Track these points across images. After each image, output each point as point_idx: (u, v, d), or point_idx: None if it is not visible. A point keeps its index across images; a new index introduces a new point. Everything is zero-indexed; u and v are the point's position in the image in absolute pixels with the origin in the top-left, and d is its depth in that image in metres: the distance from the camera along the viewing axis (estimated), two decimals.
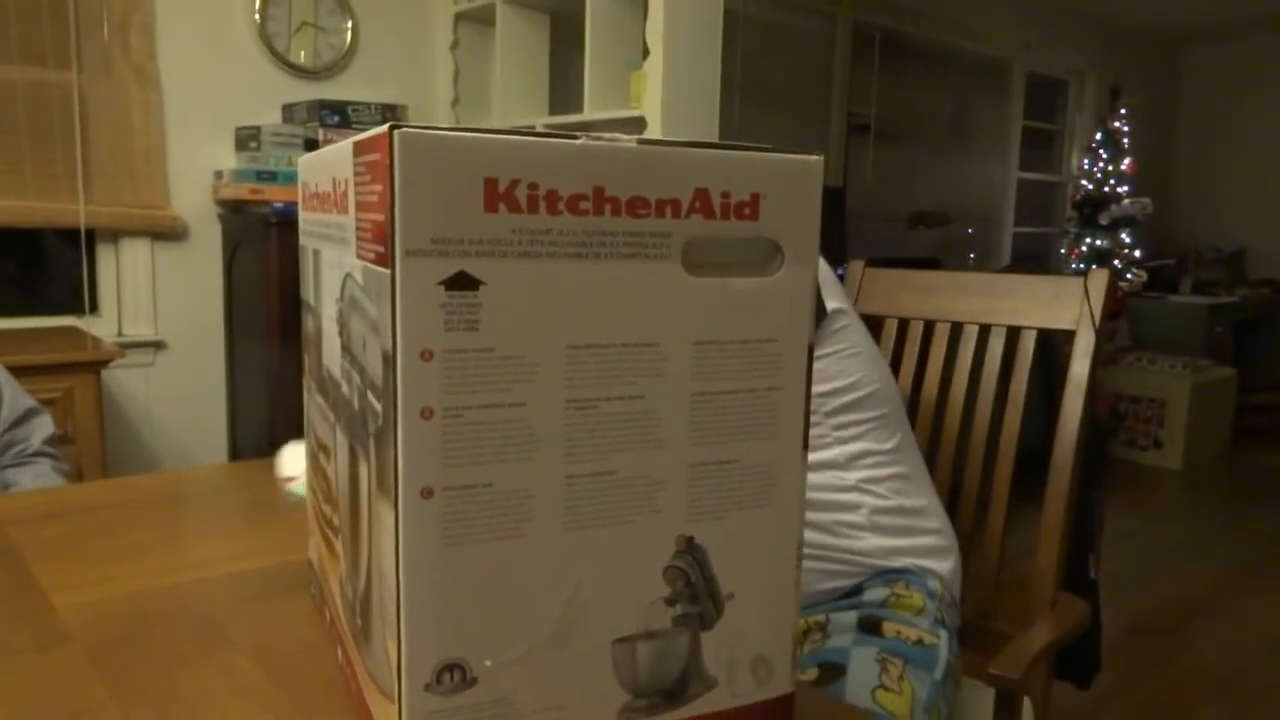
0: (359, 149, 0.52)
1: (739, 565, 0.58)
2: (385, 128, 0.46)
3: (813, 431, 1.05)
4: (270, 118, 2.88)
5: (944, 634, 1.01)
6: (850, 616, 0.99)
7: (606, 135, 0.51)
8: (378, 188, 0.48)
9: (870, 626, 0.98)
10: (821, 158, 0.57)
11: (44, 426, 1.62)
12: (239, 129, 2.78)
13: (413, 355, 0.47)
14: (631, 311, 0.53)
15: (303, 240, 0.75)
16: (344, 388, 0.61)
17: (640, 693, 0.57)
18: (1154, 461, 4.59)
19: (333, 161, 0.60)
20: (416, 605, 0.50)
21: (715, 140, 2.68)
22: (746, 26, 3.93)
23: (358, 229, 0.53)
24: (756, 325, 0.56)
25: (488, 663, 0.52)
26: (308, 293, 0.74)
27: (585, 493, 0.53)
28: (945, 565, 1.11)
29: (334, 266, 0.62)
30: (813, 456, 1.03)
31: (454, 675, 0.52)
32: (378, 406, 0.50)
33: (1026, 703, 1.06)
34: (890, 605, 1.01)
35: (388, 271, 0.47)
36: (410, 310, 0.47)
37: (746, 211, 0.55)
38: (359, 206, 0.53)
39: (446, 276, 0.48)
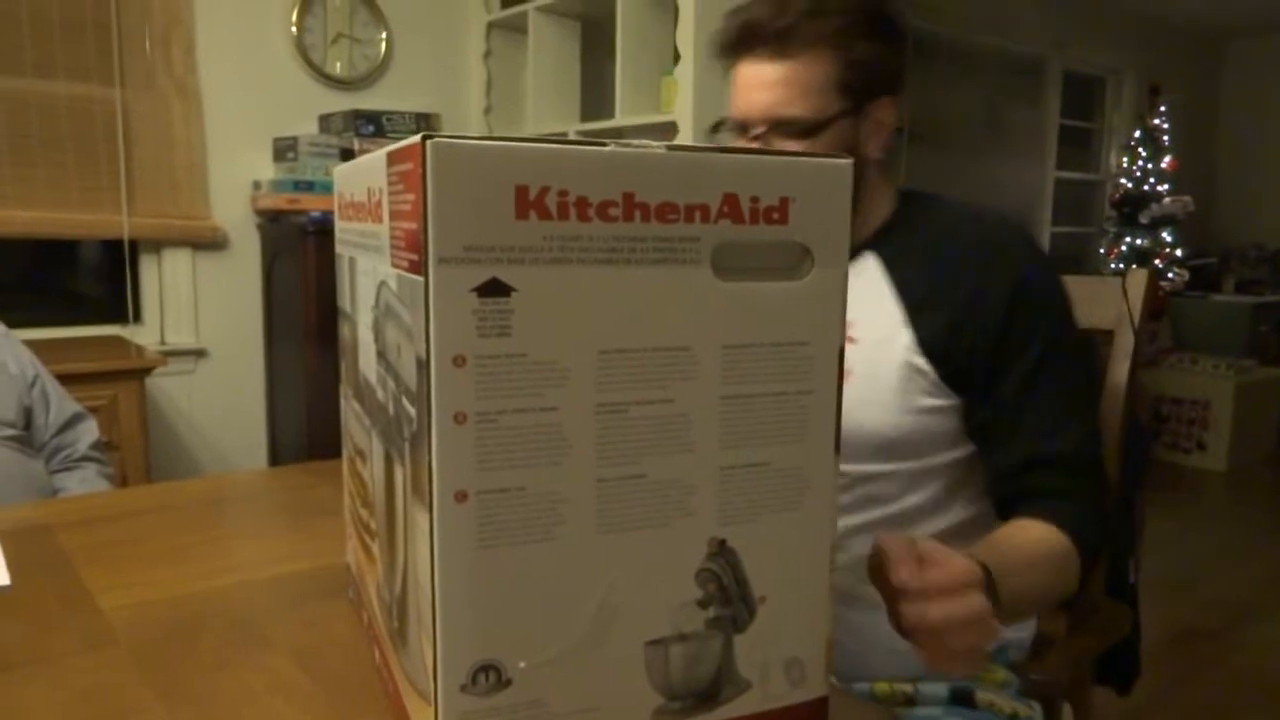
0: (392, 159, 0.53)
1: (771, 568, 0.58)
2: (418, 138, 0.47)
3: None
4: (307, 128, 2.92)
5: (1037, 706, 0.99)
6: (940, 689, 0.96)
7: (636, 142, 0.52)
8: (411, 196, 0.49)
9: (963, 698, 0.96)
10: (851, 161, 0.57)
11: (90, 432, 1.65)
12: (277, 140, 2.83)
13: (446, 361, 0.48)
14: (661, 316, 0.53)
15: (339, 249, 0.76)
16: (379, 394, 0.62)
17: (674, 695, 0.57)
18: (1197, 464, 4.51)
19: (367, 171, 0.62)
20: (452, 607, 0.51)
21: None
22: None
23: (392, 237, 0.54)
24: (787, 329, 0.56)
25: (522, 664, 0.53)
26: (344, 301, 0.76)
27: (617, 496, 0.53)
28: (1024, 633, 1.08)
29: (369, 274, 0.63)
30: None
31: (489, 676, 0.52)
32: (412, 412, 0.51)
33: (1066, 708, 1.05)
34: (979, 678, 0.98)
35: (421, 279, 0.47)
36: (443, 316, 0.48)
37: (775, 216, 0.55)
38: (393, 215, 0.54)
39: (479, 283, 0.48)
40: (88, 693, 0.70)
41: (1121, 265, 5.35)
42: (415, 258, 0.48)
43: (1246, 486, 4.38)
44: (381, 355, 0.60)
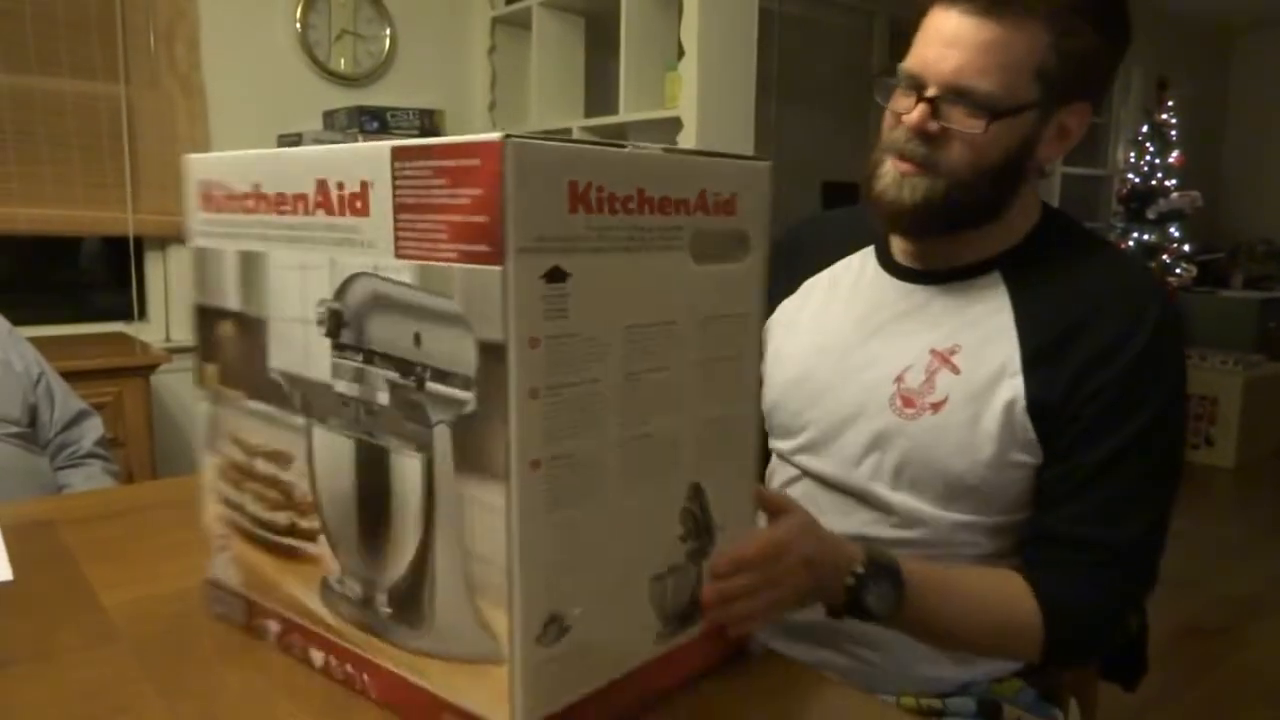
0: (434, 153, 0.55)
1: (726, 503, 0.70)
2: (496, 136, 0.51)
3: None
4: (312, 125, 2.92)
5: (1060, 715, 0.98)
6: (968, 703, 0.95)
7: (640, 145, 0.59)
8: (475, 191, 0.52)
9: (991, 712, 0.95)
10: (770, 163, 0.68)
11: (95, 429, 1.65)
12: (281, 136, 2.83)
13: (523, 342, 0.54)
14: (662, 295, 0.62)
15: (212, 243, 0.73)
16: (343, 388, 0.63)
17: (667, 620, 0.67)
18: (1206, 460, 4.49)
19: (328, 164, 0.62)
20: (530, 567, 0.56)
21: (751, 137, 2.67)
22: (783, 25, 3.91)
23: (415, 229, 0.56)
24: (737, 303, 0.68)
25: (577, 611, 0.60)
26: (224, 299, 0.73)
27: (634, 454, 0.62)
28: None
29: (313, 268, 0.64)
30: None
31: (555, 626, 0.59)
32: (462, 394, 0.56)
33: (1073, 705, 1.05)
34: (995, 689, 0.97)
35: (497, 268, 0.52)
36: (521, 302, 0.53)
37: (728, 208, 0.65)
38: (417, 209, 0.56)
39: (545, 270, 0.54)
40: (90, 689, 0.70)
41: (1131, 255, 5.32)
42: (485, 249, 0.52)
43: (1254, 483, 4.36)
44: (355, 349, 0.62)
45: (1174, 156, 5.35)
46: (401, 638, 0.63)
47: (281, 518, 0.71)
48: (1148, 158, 5.37)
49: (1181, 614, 2.81)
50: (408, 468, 0.60)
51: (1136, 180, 5.38)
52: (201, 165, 0.74)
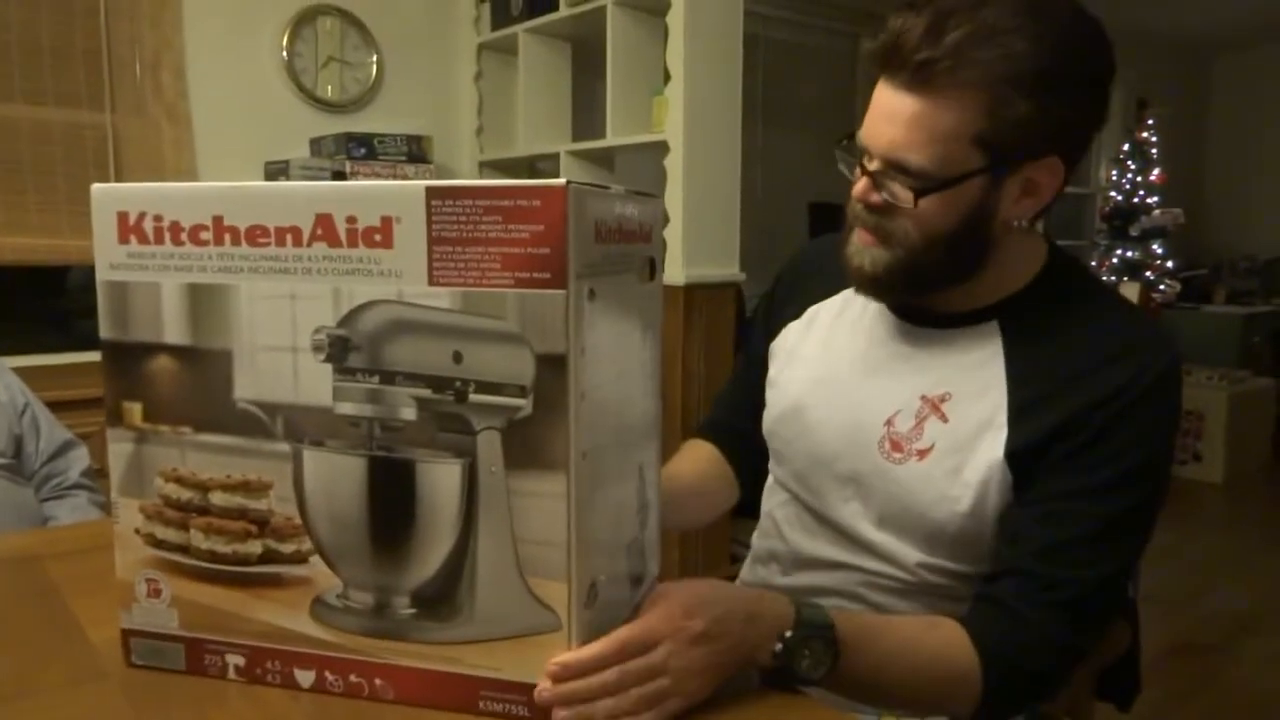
0: (465, 193, 0.64)
1: (653, 482, 0.81)
2: (559, 182, 0.62)
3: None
4: (299, 151, 2.92)
5: None
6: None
7: (612, 187, 0.70)
8: (536, 227, 0.63)
9: None
10: (661, 200, 0.78)
11: (81, 460, 1.64)
12: (268, 163, 2.83)
13: (578, 352, 0.64)
14: (629, 310, 0.73)
15: (132, 276, 0.72)
16: (354, 409, 0.68)
17: (634, 580, 0.78)
18: (1193, 475, 4.51)
19: (333, 199, 0.67)
20: (582, 542, 0.67)
21: (738, 160, 2.69)
22: (768, 49, 3.94)
23: (456, 260, 0.65)
24: (656, 315, 0.80)
25: (603, 578, 0.70)
26: (147, 333, 0.72)
27: (620, 443, 0.73)
28: None
29: (307, 298, 0.68)
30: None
31: (593, 592, 0.69)
32: (516, 401, 0.66)
33: None
34: None
35: (561, 292, 0.63)
36: (578, 318, 0.64)
37: (645, 236, 0.75)
38: (459, 241, 0.65)
39: (587, 292, 0.65)
40: None
41: (1113, 278, 5.37)
42: (548, 276, 0.63)
43: (1243, 498, 4.38)
44: (368, 371, 0.68)
45: (1155, 174, 5.41)
46: (427, 633, 0.70)
47: (253, 547, 0.72)
48: (1130, 176, 5.42)
49: (1173, 631, 2.81)
50: (442, 474, 0.68)
51: (1119, 198, 5.43)
52: (123, 196, 0.72)
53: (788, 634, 0.76)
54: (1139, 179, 5.40)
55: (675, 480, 1.08)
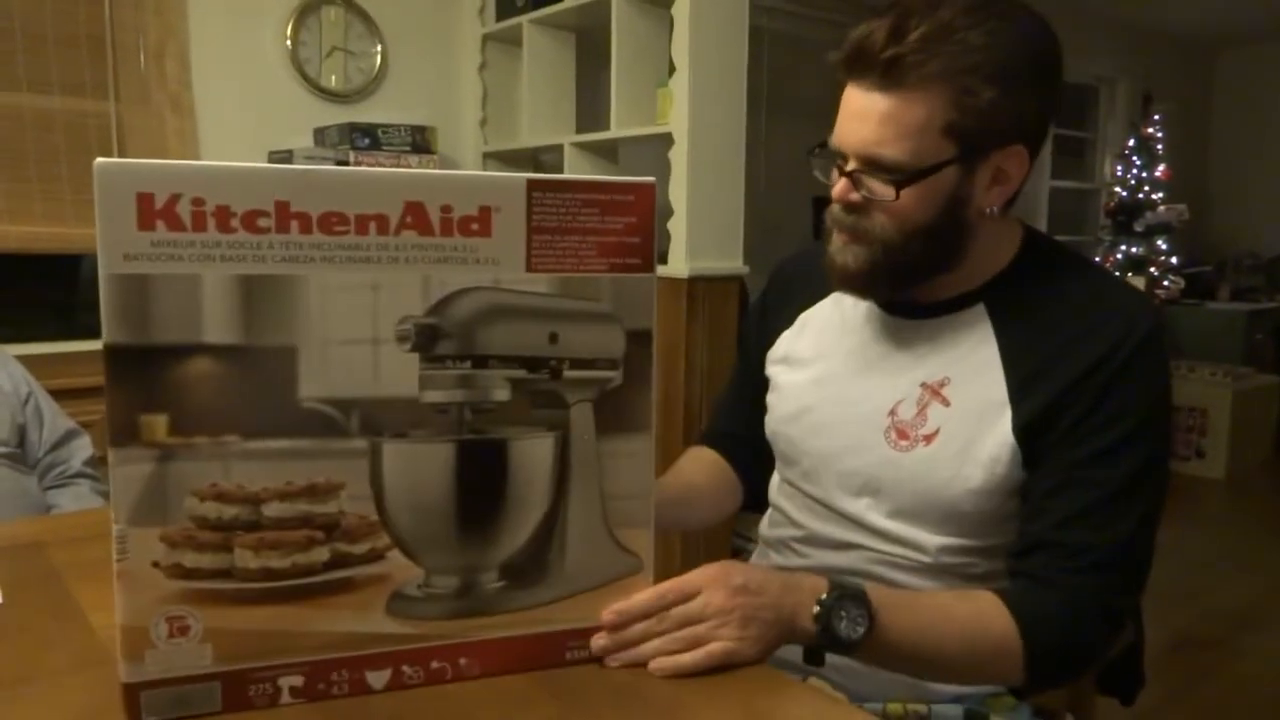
0: (564, 186, 0.71)
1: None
2: (649, 180, 0.74)
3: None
4: (302, 141, 2.92)
5: None
6: (955, 710, 0.95)
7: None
8: (628, 219, 0.73)
9: None
10: (652, 181, 0.77)
11: (84, 448, 1.64)
12: (272, 153, 2.82)
13: (657, 328, 0.74)
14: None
15: (162, 268, 0.62)
16: (443, 396, 0.70)
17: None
18: (1196, 472, 4.50)
19: (426, 188, 0.67)
20: (654, 492, 0.78)
21: (742, 153, 2.68)
22: (772, 41, 3.93)
23: (554, 248, 0.71)
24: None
25: (652, 524, 0.79)
26: (181, 333, 0.63)
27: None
28: None
29: (390, 287, 0.67)
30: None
31: (655, 535, 0.79)
32: (609, 374, 0.74)
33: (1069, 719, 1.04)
34: (988, 702, 0.97)
35: (646, 275, 0.74)
36: (657, 300, 0.75)
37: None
38: (558, 230, 0.71)
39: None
40: (79, 713, 0.69)
41: (1117, 274, 5.35)
42: (638, 261, 0.74)
43: (1245, 493, 4.38)
44: (458, 357, 0.69)
45: (1160, 170, 5.40)
46: (515, 602, 0.74)
47: (317, 555, 0.67)
48: (1134, 171, 5.41)
49: (1175, 626, 2.81)
50: (536, 448, 0.73)
51: (1124, 194, 5.42)
52: (148, 175, 0.62)
53: (823, 596, 0.80)
54: (1144, 174, 5.39)
55: (684, 480, 1.11)
